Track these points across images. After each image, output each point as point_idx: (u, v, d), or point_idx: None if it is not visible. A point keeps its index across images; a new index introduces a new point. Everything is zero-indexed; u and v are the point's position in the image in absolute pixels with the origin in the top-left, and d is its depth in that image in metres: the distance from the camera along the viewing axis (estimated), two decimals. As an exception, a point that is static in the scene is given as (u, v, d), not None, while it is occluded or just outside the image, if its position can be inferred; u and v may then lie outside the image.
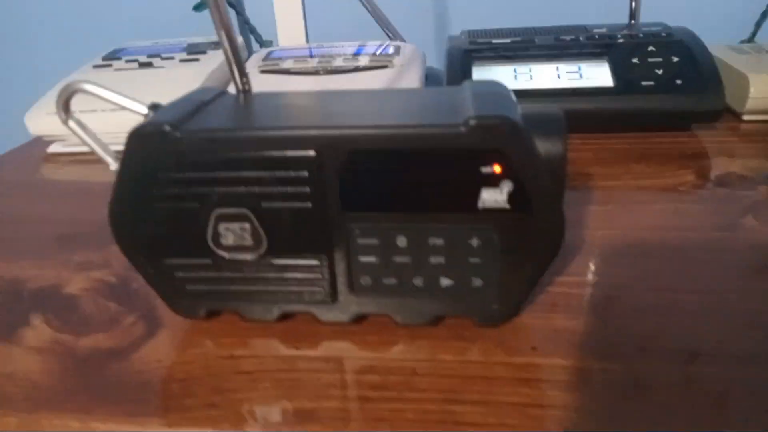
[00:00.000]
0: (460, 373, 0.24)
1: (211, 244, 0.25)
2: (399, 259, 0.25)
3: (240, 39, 0.62)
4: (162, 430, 0.22)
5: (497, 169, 0.22)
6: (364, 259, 0.25)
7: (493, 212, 0.23)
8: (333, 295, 0.26)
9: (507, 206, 0.23)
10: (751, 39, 0.60)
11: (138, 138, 0.24)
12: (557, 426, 0.21)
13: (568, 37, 0.49)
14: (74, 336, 0.27)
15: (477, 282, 0.25)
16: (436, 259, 0.24)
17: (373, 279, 0.25)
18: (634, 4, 0.55)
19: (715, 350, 0.24)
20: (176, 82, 0.51)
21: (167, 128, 0.23)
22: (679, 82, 0.44)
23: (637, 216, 0.35)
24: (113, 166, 0.27)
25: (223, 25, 0.27)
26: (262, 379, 0.24)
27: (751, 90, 0.45)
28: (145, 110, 0.26)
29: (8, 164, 0.50)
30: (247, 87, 0.28)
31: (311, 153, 0.23)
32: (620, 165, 0.42)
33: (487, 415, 0.22)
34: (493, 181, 0.23)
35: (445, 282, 0.25)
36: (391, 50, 0.56)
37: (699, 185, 0.38)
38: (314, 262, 0.25)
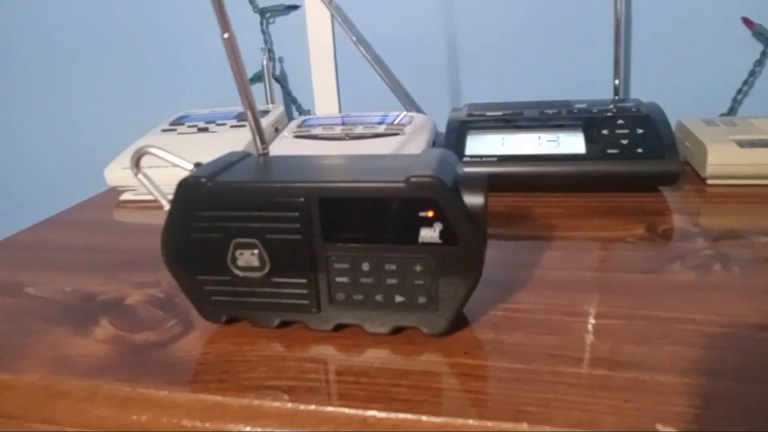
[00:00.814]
0: (404, 368, 0.32)
1: (229, 264, 0.34)
2: (364, 280, 0.33)
3: (281, 109, 0.73)
4: (185, 394, 0.31)
5: (430, 213, 0.31)
6: (338, 279, 0.33)
7: (429, 246, 0.32)
8: (318, 307, 0.34)
9: (439, 241, 0.31)
10: (729, 112, 0.67)
11: (183, 186, 0.34)
12: (468, 404, 0.28)
13: (551, 111, 0.58)
14: (130, 333, 0.37)
15: (422, 299, 0.33)
16: (390, 281, 0.33)
17: (346, 295, 0.34)
18: (617, 81, 0.63)
19: (607, 358, 0.31)
20: (226, 144, 0.63)
21: (203, 180, 0.33)
22: (640, 150, 0.51)
23: (582, 259, 0.42)
24: (167, 207, 0.37)
25: (249, 104, 0.37)
26: (260, 366, 0.33)
27: (709, 158, 0.52)
28: (190, 166, 0.36)
29: (89, 208, 0.62)
30: (265, 151, 0.38)
31: (301, 199, 0.32)
32: (584, 219, 0.49)
33: (415, 395, 0.29)
34: (429, 222, 0.31)
35: (398, 299, 0.33)
36: (406, 120, 0.65)
37: (645, 237, 0.45)
38: (303, 280, 0.34)
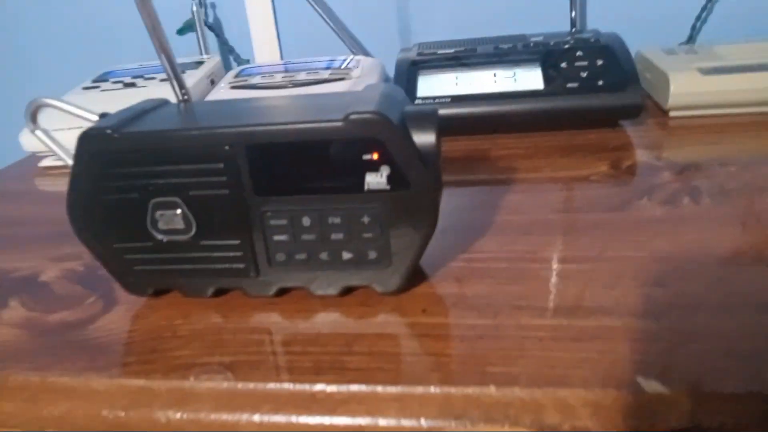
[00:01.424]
0: (356, 332, 0.28)
1: (150, 228, 0.30)
2: (306, 236, 0.29)
3: (217, 59, 0.67)
4: (105, 381, 0.27)
5: (375, 156, 0.27)
6: (276, 237, 0.29)
7: (377, 193, 0.28)
8: (256, 271, 0.30)
9: (387, 187, 0.27)
10: (689, 41, 0.64)
11: (85, 140, 0.29)
12: (429, 369, 0.25)
13: (506, 46, 0.54)
14: (43, 313, 0.32)
15: (372, 255, 0.29)
16: (336, 236, 0.29)
17: (287, 255, 0.30)
18: (573, 13, 0.59)
19: (576, 306, 0.28)
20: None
21: (108, 131, 0.28)
22: (600, 82, 0.48)
23: (544, 201, 0.39)
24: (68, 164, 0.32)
25: (162, 47, 0.32)
26: (194, 341, 0.29)
27: (671, 87, 0.49)
28: (95, 118, 0.31)
29: (6, 177, 0.56)
30: (186, 97, 0.33)
31: (225, 147, 0.28)
32: (545, 159, 0.46)
33: (369, 362, 0.26)
34: (374, 166, 0.27)
35: (346, 255, 0.29)
36: (353, 64, 0.61)
37: (609, 174, 0.42)
38: (236, 241, 0.30)
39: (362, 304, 0.30)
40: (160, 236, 0.30)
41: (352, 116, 0.27)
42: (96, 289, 0.34)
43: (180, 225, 0.30)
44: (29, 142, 0.56)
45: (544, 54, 0.52)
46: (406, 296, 0.30)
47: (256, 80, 0.59)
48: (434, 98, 0.51)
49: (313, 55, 0.67)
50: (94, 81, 0.64)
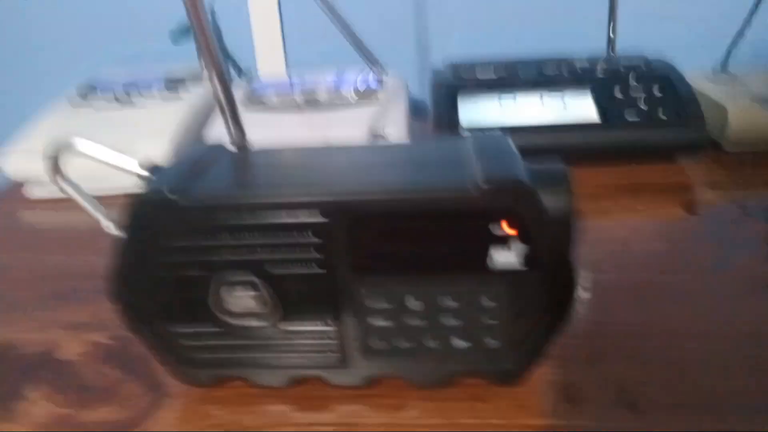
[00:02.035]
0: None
1: (215, 311, 0.24)
2: (411, 321, 0.24)
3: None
4: None
5: (508, 230, 0.22)
6: (375, 322, 0.25)
7: (504, 273, 0.23)
8: (344, 360, 0.25)
9: (519, 267, 0.23)
10: (724, 65, 0.62)
11: (142, 206, 0.23)
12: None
13: (551, 69, 0.50)
14: (76, 409, 0.26)
15: (491, 343, 0.25)
16: (448, 321, 0.24)
17: (385, 342, 0.25)
18: (612, 35, 0.56)
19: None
20: (159, 122, 0.51)
21: (170, 196, 0.23)
22: (662, 114, 0.45)
23: (633, 257, 0.35)
24: (105, 225, 0.27)
25: (221, 84, 0.27)
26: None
27: (731, 122, 0.46)
28: (142, 172, 0.25)
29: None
30: (244, 143, 0.28)
31: (322, 219, 0.23)
32: (610, 199, 0.42)
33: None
34: (504, 242, 0.23)
35: (459, 344, 0.25)
36: (374, 84, 0.55)
37: (684, 218, 0.39)
38: (325, 327, 0.25)
39: (474, 398, 0.26)
40: (228, 319, 0.25)
41: (485, 185, 0.22)
42: (136, 374, 0.28)
43: (255, 307, 0.24)
44: (15, 168, 0.49)
45: (595, 80, 0.48)
46: (523, 387, 0.26)
47: (272, 100, 0.53)
48: (480, 129, 0.47)
49: (319, 64, 0.62)
50: (81, 93, 0.57)
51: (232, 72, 0.69)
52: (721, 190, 0.43)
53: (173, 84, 0.58)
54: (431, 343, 0.25)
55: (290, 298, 0.24)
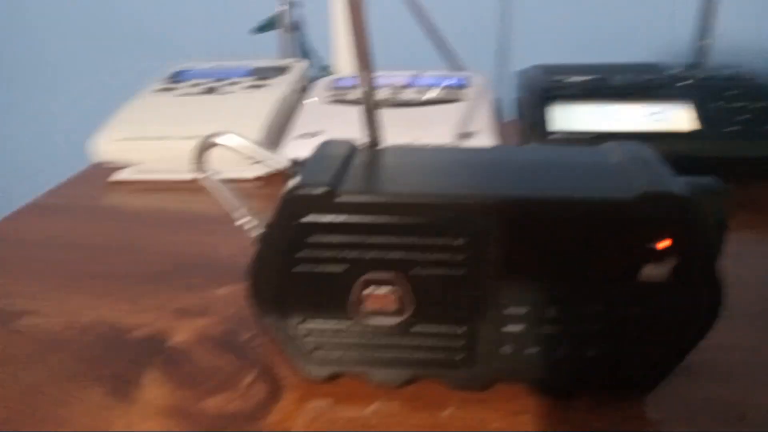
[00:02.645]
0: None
1: (351, 309, 0.24)
2: (547, 329, 0.24)
3: (304, 65, 0.61)
4: None
5: (665, 244, 0.22)
6: (510, 328, 0.24)
7: (650, 286, 0.22)
8: (470, 363, 0.25)
9: (668, 280, 0.22)
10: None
11: (295, 200, 0.23)
12: None
13: (646, 76, 0.49)
14: (194, 397, 0.26)
15: (627, 353, 0.24)
16: (585, 330, 0.24)
17: (516, 348, 0.24)
18: (705, 41, 0.54)
19: None
20: (249, 109, 0.51)
21: (325, 191, 0.22)
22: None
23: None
24: (244, 220, 0.26)
25: (368, 85, 0.26)
26: (403, 452, 0.23)
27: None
28: (286, 166, 0.25)
29: (76, 191, 0.49)
30: (379, 142, 0.27)
31: (473, 219, 0.22)
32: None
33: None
34: (658, 256, 0.22)
35: (591, 353, 0.24)
36: (459, 82, 0.55)
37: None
38: (457, 330, 0.24)
39: (599, 405, 0.25)
40: (363, 318, 0.24)
41: (649, 193, 0.21)
42: (251, 363, 0.28)
43: (392, 307, 0.24)
44: (106, 149, 0.49)
45: (694, 88, 0.47)
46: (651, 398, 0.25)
47: (356, 95, 0.53)
48: (571, 133, 0.46)
49: (401, 67, 0.61)
50: (168, 81, 0.58)
51: (313, 69, 0.69)
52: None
53: (260, 73, 0.58)
54: (563, 351, 0.24)
55: (428, 299, 0.24)
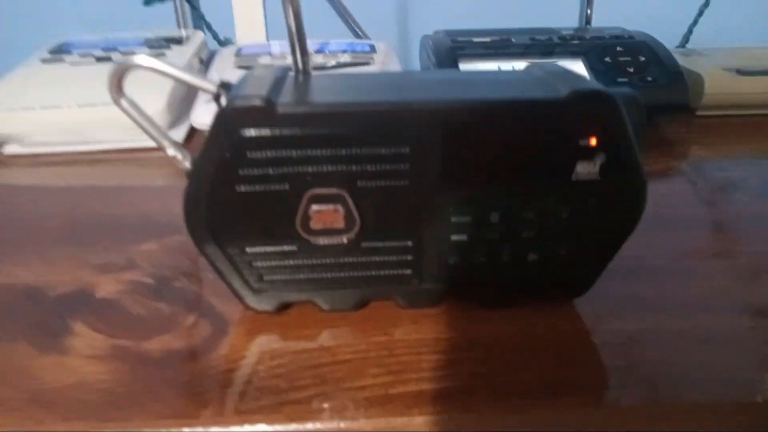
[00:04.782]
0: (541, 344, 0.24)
1: (299, 228, 0.24)
2: (490, 235, 0.25)
3: (202, 36, 0.59)
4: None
5: (593, 141, 0.23)
6: (455, 237, 0.25)
7: (584, 184, 0.24)
8: (419, 277, 0.25)
9: (598, 177, 0.24)
10: (683, 44, 0.67)
11: (229, 115, 0.22)
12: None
13: (543, 37, 0.52)
14: (135, 340, 0.25)
15: (564, 255, 0.25)
16: (526, 234, 0.25)
17: (461, 257, 0.25)
18: (589, 11, 0.59)
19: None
20: (146, 77, 0.48)
21: (264, 104, 0.22)
22: (649, 78, 0.48)
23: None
24: (171, 151, 0.25)
25: (294, 11, 0.26)
26: (368, 367, 0.23)
27: (707, 86, 0.50)
28: (213, 88, 0.24)
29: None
30: (308, 67, 0.27)
31: (416, 126, 0.23)
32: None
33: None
34: (588, 154, 0.24)
35: (532, 256, 0.25)
36: (366, 48, 0.56)
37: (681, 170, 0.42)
38: (404, 243, 0.25)
39: (541, 308, 0.26)
40: (309, 237, 0.24)
41: (575, 94, 0.23)
42: (189, 306, 0.27)
43: (339, 224, 0.24)
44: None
45: (585, 47, 0.51)
46: (589, 299, 0.27)
47: (265, 61, 0.52)
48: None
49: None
50: (52, 53, 0.53)
51: (211, 40, 0.67)
52: (702, 145, 0.46)
53: (154, 44, 0.55)
54: (506, 257, 0.25)
55: (375, 214, 0.24)
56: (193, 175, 0.23)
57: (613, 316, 0.26)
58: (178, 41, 0.57)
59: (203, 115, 0.46)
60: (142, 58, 0.25)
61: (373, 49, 0.55)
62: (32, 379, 0.23)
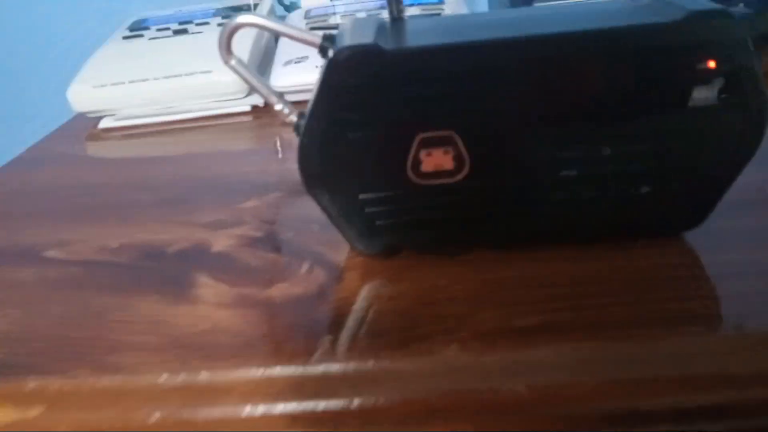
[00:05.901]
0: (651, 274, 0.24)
1: (410, 172, 0.24)
2: (600, 170, 0.24)
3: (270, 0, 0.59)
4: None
5: (712, 64, 0.22)
6: (564, 172, 0.24)
7: (701, 110, 0.23)
8: (524, 216, 0.25)
9: (716, 102, 0.23)
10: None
11: (343, 63, 0.22)
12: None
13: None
14: (257, 289, 0.26)
15: (679, 186, 0.25)
16: (639, 166, 0.24)
17: (570, 194, 0.25)
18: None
19: None
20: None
21: (373, 49, 0.22)
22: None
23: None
24: (279, 106, 0.26)
25: None
26: (481, 303, 0.24)
27: None
28: (319, 40, 0.25)
29: (64, 142, 0.47)
30: (403, 14, 0.27)
31: (526, 61, 0.22)
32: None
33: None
34: (706, 78, 0.23)
35: (644, 189, 0.25)
36: (435, 0, 0.55)
37: None
38: (513, 181, 0.25)
39: (652, 245, 0.26)
40: (419, 180, 0.24)
41: (696, 12, 0.22)
42: (302, 255, 0.28)
43: (449, 165, 0.24)
44: (83, 99, 0.47)
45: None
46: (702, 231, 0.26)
47: (336, 20, 0.52)
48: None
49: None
50: (131, 29, 0.55)
51: (279, 6, 0.67)
52: None
53: (225, 12, 0.56)
54: (618, 191, 0.25)
55: (484, 154, 0.24)
56: (306, 126, 0.24)
57: (728, 247, 0.26)
58: (247, 9, 0.57)
59: (282, 78, 0.46)
60: (249, 17, 0.25)
61: (441, 0, 0.54)
62: (170, 326, 0.24)
